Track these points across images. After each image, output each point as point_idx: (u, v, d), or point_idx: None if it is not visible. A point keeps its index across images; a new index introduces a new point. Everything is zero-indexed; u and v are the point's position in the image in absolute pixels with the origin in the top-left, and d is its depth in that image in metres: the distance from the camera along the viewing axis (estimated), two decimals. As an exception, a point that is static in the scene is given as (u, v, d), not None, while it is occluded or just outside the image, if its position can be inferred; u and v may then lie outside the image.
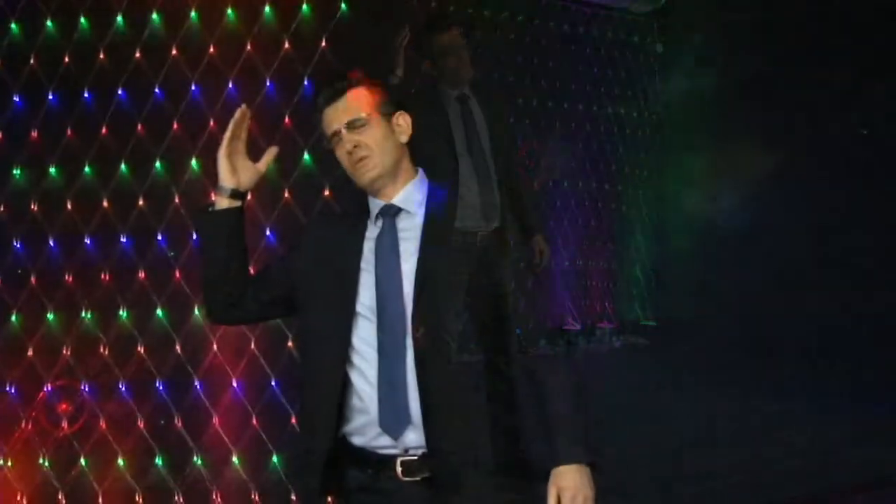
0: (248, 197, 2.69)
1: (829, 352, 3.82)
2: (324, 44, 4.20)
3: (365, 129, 2.55)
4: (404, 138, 2.61)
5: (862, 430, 3.77)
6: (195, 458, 4.30)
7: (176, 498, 4.32)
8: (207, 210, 2.64)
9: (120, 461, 4.40)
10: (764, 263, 4.05)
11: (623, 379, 4.13)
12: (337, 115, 2.56)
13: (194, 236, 4.18)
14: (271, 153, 2.68)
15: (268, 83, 4.29)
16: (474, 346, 2.50)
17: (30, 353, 4.50)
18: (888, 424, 3.75)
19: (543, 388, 2.48)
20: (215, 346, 4.30)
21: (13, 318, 4.53)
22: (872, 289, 3.81)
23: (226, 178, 2.60)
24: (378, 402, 2.46)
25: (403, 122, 2.61)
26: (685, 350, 4.07)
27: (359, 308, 2.51)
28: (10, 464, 4.48)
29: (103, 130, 4.48)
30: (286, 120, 4.26)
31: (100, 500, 4.41)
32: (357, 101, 2.56)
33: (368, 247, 2.56)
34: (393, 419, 2.45)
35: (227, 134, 2.60)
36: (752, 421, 3.89)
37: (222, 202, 2.61)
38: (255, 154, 2.70)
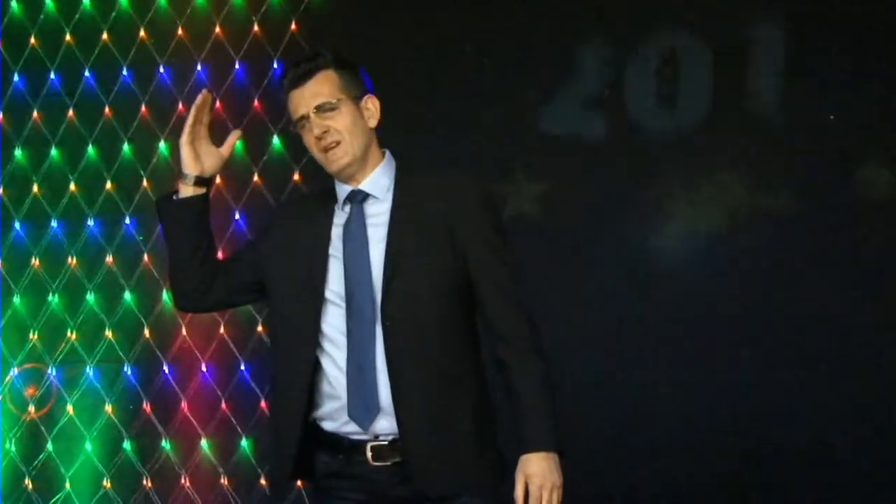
0: (217, 181, 2.68)
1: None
2: (294, 26, 4.17)
3: (335, 114, 2.49)
4: (373, 122, 2.55)
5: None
6: (164, 443, 4.29)
7: (144, 482, 4.31)
8: (171, 198, 2.59)
9: (88, 446, 4.37)
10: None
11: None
12: (304, 99, 2.49)
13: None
14: (234, 137, 2.64)
15: (237, 65, 4.25)
16: (445, 333, 2.46)
17: (-5, 336, 4.47)
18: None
19: (511, 375, 2.45)
20: (184, 331, 4.28)
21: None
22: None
23: (189, 166, 2.56)
24: (347, 391, 2.44)
25: (372, 105, 2.55)
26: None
27: (328, 294, 2.48)
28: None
29: (70, 113, 4.44)
30: (255, 103, 4.23)
31: (67, 485, 4.40)
32: (326, 85, 2.50)
33: (336, 233, 2.51)
34: (362, 408, 2.42)
35: (189, 120, 2.55)
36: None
37: (187, 190, 2.56)
38: (224, 138, 2.66)
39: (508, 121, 3.92)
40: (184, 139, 2.56)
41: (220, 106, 4.13)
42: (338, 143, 2.48)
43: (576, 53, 3.88)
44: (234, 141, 2.63)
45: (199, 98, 2.55)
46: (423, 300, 2.43)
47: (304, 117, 2.50)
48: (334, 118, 2.48)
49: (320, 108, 2.48)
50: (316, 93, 2.49)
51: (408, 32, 4.05)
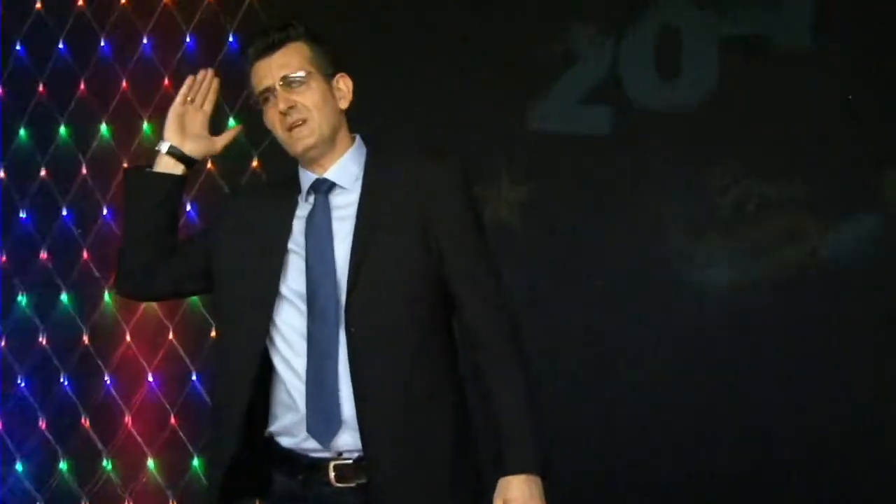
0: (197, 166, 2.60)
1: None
2: (251, -5, 4.07)
3: (303, 89, 2.38)
4: (344, 104, 2.45)
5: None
6: (104, 462, 4.16)
7: (82, 506, 4.23)
8: (143, 169, 2.55)
9: (18, 466, 4.26)
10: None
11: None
12: (271, 70, 2.38)
13: (104, 210, 4.16)
14: (234, 132, 2.64)
15: (188, 38, 4.09)
16: (418, 339, 2.34)
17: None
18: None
19: (491, 388, 2.33)
20: (128, 337, 4.16)
21: None
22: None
23: (169, 135, 2.53)
24: (306, 403, 2.31)
25: (344, 85, 2.45)
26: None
27: (285, 292, 2.36)
28: None
29: (0, 91, 4.30)
30: (209, 80, 4.04)
31: (-5, 510, 4.33)
32: (296, 56, 2.40)
33: (298, 227, 2.40)
34: (322, 423, 2.30)
35: (182, 90, 2.56)
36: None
37: (163, 163, 2.52)
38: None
39: (504, 119, 3.92)
40: (173, 109, 2.55)
41: (168, 84, 4.06)
42: (304, 120, 2.39)
43: (570, 49, 3.88)
44: (233, 135, 2.63)
45: (200, 74, 2.58)
46: (393, 303, 2.33)
47: (269, 89, 2.40)
48: (302, 93, 2.39)
49: (287, 81, 2.39)
50: (284, 64, 2.40)
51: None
